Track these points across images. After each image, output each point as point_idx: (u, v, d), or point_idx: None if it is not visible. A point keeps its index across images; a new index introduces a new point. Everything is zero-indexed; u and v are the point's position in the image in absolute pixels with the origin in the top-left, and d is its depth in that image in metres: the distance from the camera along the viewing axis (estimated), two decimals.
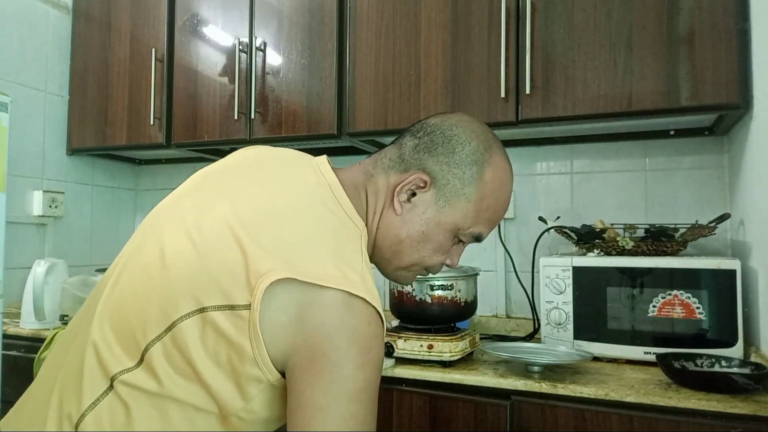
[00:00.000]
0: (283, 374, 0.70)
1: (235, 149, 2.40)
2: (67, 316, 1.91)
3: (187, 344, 0.69)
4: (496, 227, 1.96)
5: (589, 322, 1.50)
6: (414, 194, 0.83)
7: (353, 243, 0.76)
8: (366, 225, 0.82)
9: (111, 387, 0.71)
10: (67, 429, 0.71)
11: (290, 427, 0.68)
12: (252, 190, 0.79)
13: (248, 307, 0.67)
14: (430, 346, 1.41)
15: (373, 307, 0.71)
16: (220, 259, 0.71)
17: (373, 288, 0.73)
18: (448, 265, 0.89)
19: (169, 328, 0.70)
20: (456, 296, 1.48)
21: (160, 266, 0.74)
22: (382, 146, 2.09)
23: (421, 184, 0.82)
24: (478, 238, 0.87)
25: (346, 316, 0.69)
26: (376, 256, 0.86)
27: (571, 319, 1.52)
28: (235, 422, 0.73)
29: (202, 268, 0.71)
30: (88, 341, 0.75)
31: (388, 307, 1.63)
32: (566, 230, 1.66)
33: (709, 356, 1.33)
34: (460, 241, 0.87)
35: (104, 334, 0.74)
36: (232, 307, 0.68)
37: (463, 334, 1.48)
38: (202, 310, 0.69)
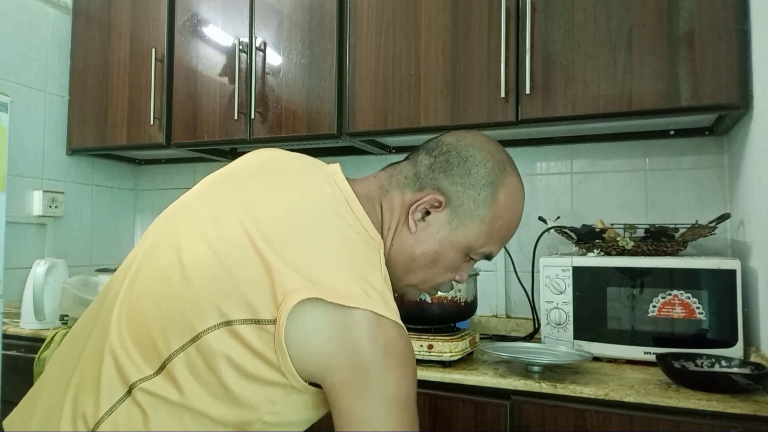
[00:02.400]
0: (311, 384, 0.72)
1: (235, 149, 2.41)
2: (67, 316, 1.91)
3: (213, 356, 0.70)
4: None
5: (589, 322, 1.50)
6: (428, 213, 0.83)
7: (372, 258, 0.77)
8: (381, 239, 0.83)
9: (129, 393, 0.71)
10: (82, 430, 0.71)
11: None
12: (269, 198, 0.79)
13: (274, 322, 0.69)
14: (430, 346, 1.41)
15: (397, 322, 0.73)
16: (244, 272, 0.71)
17: (392, 303, 0.74)
18: (456, 281, 0.90)
19: (194, 340, 0.70)
20: (456, 296, 1.48)
21: (180, 274, 0.74)
22: (382, 146, 2.10)
23: (436, 204, 0.83)
24: (488, 257, 0.88)
25: (380, 333, 0.71)
26: (388, 271, 0.85)
27: (571, 319, 1.52)
28: (258, 427, 0.73)
29: (227, 280, 0.71)
30: (105, 346, 0.75)
31: None
32: (566, 230, 1.66)
33: (709, 356, 1.33)
34: (471, 258, 0.88)
35: (123, 340, 0.74)
36: (257, 321, 0.69)
37: (463, 334, 1.48)
38: (228, 323, 0.70)
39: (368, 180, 0.88)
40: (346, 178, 0.85)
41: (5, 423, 0.83)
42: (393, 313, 0.73)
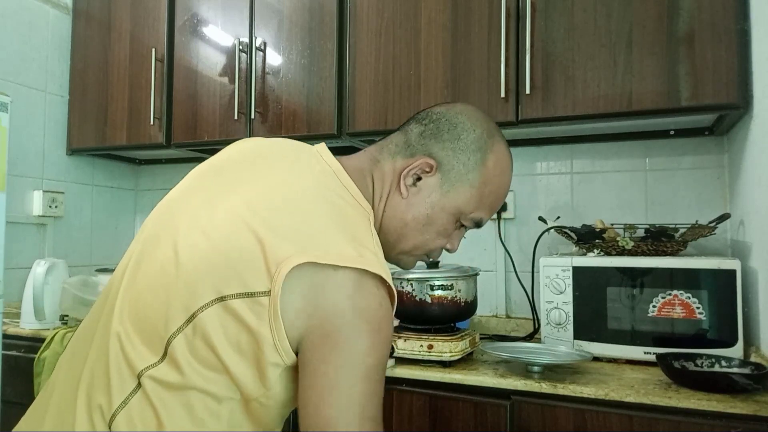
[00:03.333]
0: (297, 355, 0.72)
1: None
2: (67, 316, 1.91)
3: (209, 333, 0.70)
4: (497, 227, 1.96)
5: (589, 322, 1.50)
6: (419, 178, 0.85)
7: (363, 225, 0.79)
8: (372, 208, 0.84)
9: (139, 384, 0.72)
10: (99, 425, 0.72)
11: (302, 404, 0.70)
12: (260, 182, 0.80)
13: (268, 293, 0.69)
14: (430, 346, 1.41)
15: (385, 287, 0.74)
16: (236, 248, 0.72)
17: (386, 266, 0.75)
18: (447, 250, 0.92)
19: (190, 319, 0.71)
20: (456, 296, 1.48)
21: (175, 264, 0.75)
22: None
23: (427, 169, 0.84)
24: (479, 224, 0.89)
25: (358, 297, 0.71)
26: (381, 239, 0.86)
27: (571, 319, 1.52)
28: (255, 407, 0.74)
29: (219, 258, 0.72)
30: (110, 333, 0.76)
31: None
32: (566, 230, 1.66)
33: (709, 356, 1.33)
34: (462, 225, 0.90)
35: (126, 329, 0.75)
36: (251, 294, 0.69)
37: (463, 334, 1.48)
38: (222, 298, 0.70)
39: (359, 154, 0.89)
40: (335, 156, 0.86)
41: (22, 423, 0.83)
42: (385, 272, 0.73)
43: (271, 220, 0.74)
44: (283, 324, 0.69)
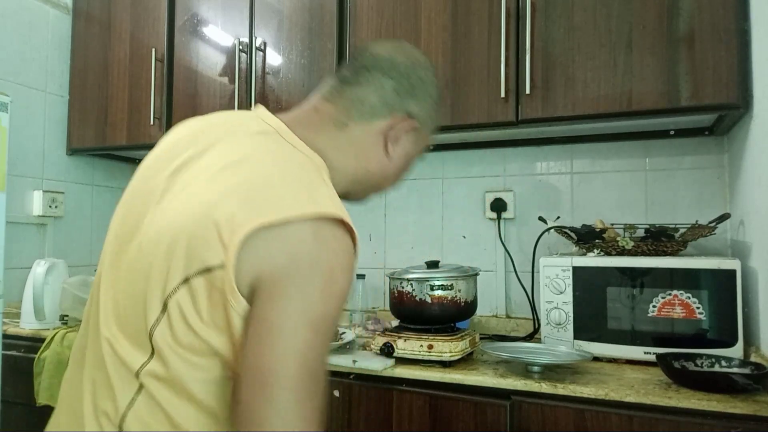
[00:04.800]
0: None
1: None
2: (67, 316, 1.91)
3: (185, 316, 0.69)
4: (497, 227, 1.97)
5: (589, 322, 1.50)
6: (399, 139, 0.89)
7: (314, 175, 0.78)
8: (348, 173, 0.86)
9: (141, 385, 0.72)
10: (107, 427, 0.72)
11: (242, 354, 0.67)
12: (205, 160, 0.78)
13: (223, 266, 0.67)
14: (430, 346, 1.41)
15: (348, 234, 0.72)
16: (195, 230, 0.70)
17: (344, 209, 0.74)
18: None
19: (164, 308, 0.71)
20: (456, 296, 1.48)
21: (143, 261, 0.74)
22: None
23: (410, 130, 0.89)
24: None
25: (313, 245, 0.69)
26: (357, 188, 0.90)
27: (571, 319, 1.52)
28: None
29: (180, 243, 0.71)
30: (101, 339, 0.76)
31: (388, 307, 1.63)
32: (566, 230, 1.67)
33: (709, 356, 1.33)
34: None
35: (113, 333, 0.75)
36: (209, 270, 0.68)
37: (463, 334, 1.48)
38: (186, 280, 0.69)
39: (303, 112, 0.87)
40: (276, 116, 0.85)
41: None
42: (345, 215, 0.72)
43: (222, 194, 0.72)
44: (242, 292, 0.67)
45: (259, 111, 0.86)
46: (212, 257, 0.68)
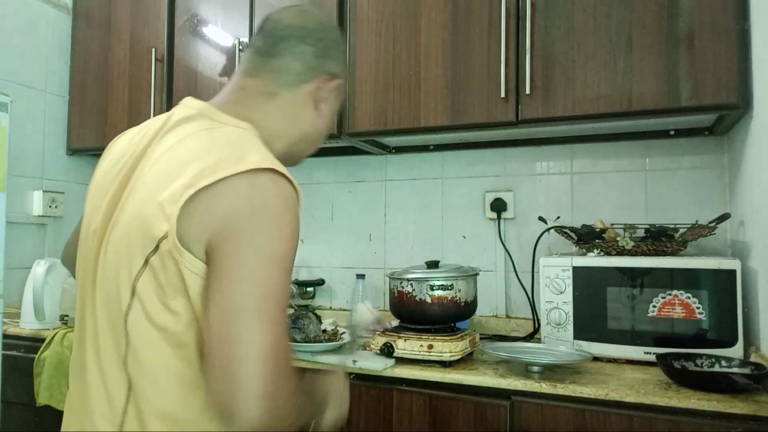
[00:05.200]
0: None
1: None
2: (67, 316, 1.91)
3: (150, 297, 0.75)
4: (497, 227, 1.97)
5: (589, 322, 1.50)
6: (327, 98, 0.96)
7: (245, 138, 0.83)
8: (284, 136, 0.92)
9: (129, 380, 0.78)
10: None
11: (211, 304, 0.71)
12: (147, 161, 0.83)
13: (166, 235, 0.73)
14: (430, 346, 1.41)
15: (283, 180, 0.77)
16: (144, 215, 0.76)
17: (278, 163, 0.78)
18: None
19: (133, 293, 0.76)
20: (456, 296, 1.48)
21: (109, 261, 0.81)
22: (382, 146, 2.09)
23: (335, 88, 0.96)
24: None
25: (254, 194, 0.74)
26: (300, 152, 0.98)
27: (571, 319, 1.52)
28: None
29: (133, 233, 0.77)
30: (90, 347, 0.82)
31: (388, 307, 1.63)
32: (566, 230, 1.67)
33: (709, 356, 1.33)
34: None
35: (103, 340, 0.80)
36: (159, 244, 0.74)
37: (463, 334, 1.48)
38: (146, 262, 0.75)
39: (230, 93, 0.93)
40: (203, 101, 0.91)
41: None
42: (279, 166, 0.77)
43: (161, 177, 0.78)
44: (194, 253, 0.73)
45: (185, 100, 0.91)
46: (159, 230, 0.73)
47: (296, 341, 1.54)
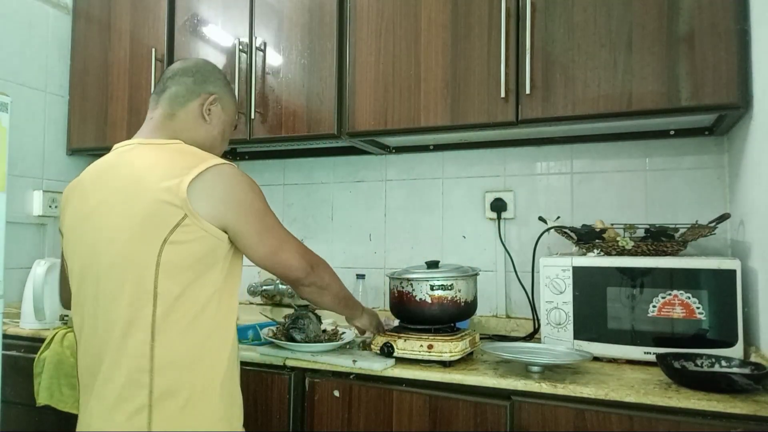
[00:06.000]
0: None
1: (235, 149, 2.40)
2: (66, 316, 1.91)
3: (175, 278, 1.10)
4: (497, 227, 1.97)
5: (589, 322, 1.50)
6: (210, 110, 1.29)
7: (187, 148, 1.21)
8: (191, 142, 1.24)
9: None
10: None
11: (252, 251, 1.17)
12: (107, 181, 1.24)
13: (184, 214, 1.09)
14: (430, 346, 1.41)
15: (235, 166, 1.17)
16: (147, 214, 1.12)
17: (218, 159, 1.17)
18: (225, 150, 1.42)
19: (155, 296, 1.09)
20: (456, 296, 1.48)
21: (115, 270, 1.14)
22: (382, 146, 2.10)
23: (213, 100, 1.29)
24: (235, 127, 1.47)
25: (228, 176, 1.14)
26: (205, 151, 1.23)
27: (571, 319, 1.52)
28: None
29: (134, 241, 1.13)
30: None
31: (388, 307, 1.63)
32: (566, 230, 1.67)
33: (709, 356, 1.33)
34: (235, 127, 1.45)
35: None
36: (173, 229, 1.09)
37: (463, 334, 1.48)
38: (157, 263, 1.10)
39: (149, 124, 1.27)
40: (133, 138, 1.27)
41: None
42: (223, 160, 1.16)
43: (156, 185, 1.11)
44: (206, 219, 1.09)
45: (117, 145, 1.28)
46: (173, 216, 1.08)
47: (296, 341, 1.54)
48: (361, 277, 2.05)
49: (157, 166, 1.12)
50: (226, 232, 1.12)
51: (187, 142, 1.23)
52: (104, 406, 1.07)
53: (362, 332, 1.53)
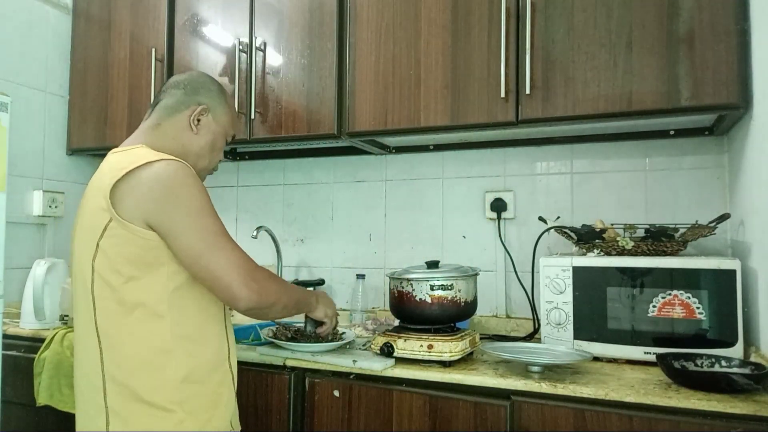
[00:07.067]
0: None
1: (235, 149, 2.40)
2: (67, 316, 1.91)
3: (107, 283, 1.12)
4: (497, 227, 1.97)
5: (589, 322, 1.50)
6: (199, 120, 1.29)
7: (141, 151, 1.17)
8: (173, 151, 1.21)
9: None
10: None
11: (182, 255, 1.09)
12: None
13: (110, 217, 1.09)
14: (430, 346, 1.41)
15: (175, 162, 1.12)
16: (90, 219, 1.16)
17: (168, 155, 1.14)
18: (219, 160, 1.38)
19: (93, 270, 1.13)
20: (456, 296, 1.48)
21: (88, 275, 1.16)
22: (382, 146, 2.10)
23: (203, 111, 1.29)
24: (234, 137, 1.41)
25: (160, 172, 1.09)
26: (190, 162, 1.22)
27: (571, 319, 1.52)
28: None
29: (84, 240, 1.16)
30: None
31: (388, 307, 1.63)
32: (566, 230, 1.67)
33: (709, 356, 1.33)
34: (227, 142, 1.39)
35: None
36: (102, 232, 1.10)
37: (463, 334, 1.48)
38: (92, 268, 1.13)
39: (133, 134, 1.29)
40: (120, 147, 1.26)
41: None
42: (166, 156, 1.13)
43: (94, 192, 1.15)
44: (129, 218, 1.07)
45: (109, 154, 1.25)
46: (102, 220, 1.09)
47: (296, 341, 1.54)
48: (361, 277, 2.05)
49: (109, 172, 1.12)
50: (156, 232, 1.08)
51: (172, 151, 1.20)
52: (79, 408, 1.20)
53: (321, 325, 1.46)
